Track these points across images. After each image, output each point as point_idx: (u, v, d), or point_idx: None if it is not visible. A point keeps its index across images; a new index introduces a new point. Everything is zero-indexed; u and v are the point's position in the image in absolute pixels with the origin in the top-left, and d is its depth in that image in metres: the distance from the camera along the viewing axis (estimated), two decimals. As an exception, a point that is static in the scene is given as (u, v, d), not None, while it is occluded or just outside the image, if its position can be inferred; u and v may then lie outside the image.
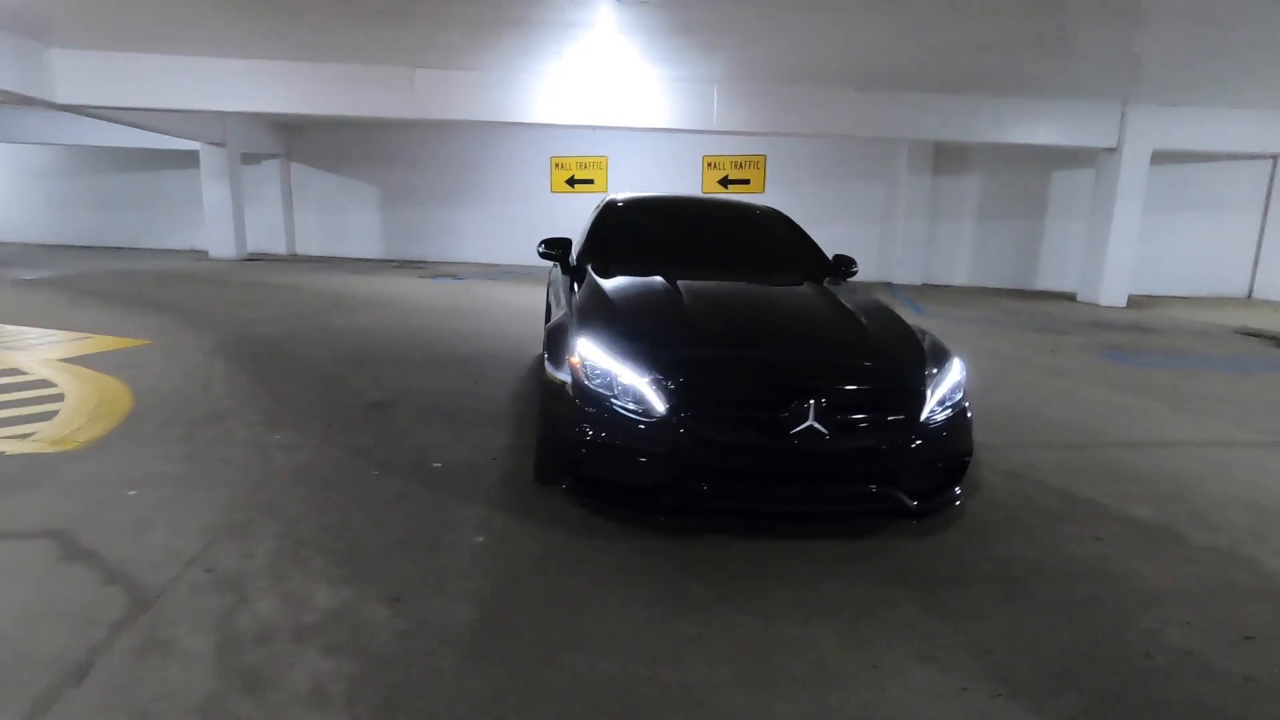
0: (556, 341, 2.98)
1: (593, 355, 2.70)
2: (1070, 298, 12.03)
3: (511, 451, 3.55)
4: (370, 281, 11.18)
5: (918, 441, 2.57)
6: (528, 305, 9.06)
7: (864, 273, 13.52)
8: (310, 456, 3.37)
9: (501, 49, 8.99)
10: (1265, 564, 2.63)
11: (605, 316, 3.01)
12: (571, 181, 15.21)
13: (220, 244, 14.58)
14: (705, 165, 14.72)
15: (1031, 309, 10.54)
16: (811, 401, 2.46)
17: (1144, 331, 8.63)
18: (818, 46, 8.50)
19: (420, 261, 15.18)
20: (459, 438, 3.73)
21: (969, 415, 2.78)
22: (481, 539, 2.58)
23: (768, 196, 14.41)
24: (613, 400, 2.58)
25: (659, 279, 3.48)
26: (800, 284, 3.72)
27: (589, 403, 2.62)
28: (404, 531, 2.64)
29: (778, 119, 10.85)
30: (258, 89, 10.14)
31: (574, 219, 15.26)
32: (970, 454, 2.79)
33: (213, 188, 14.36)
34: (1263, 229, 12.63)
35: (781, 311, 3.36)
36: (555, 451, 2.82)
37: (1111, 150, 11.21)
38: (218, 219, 14.48)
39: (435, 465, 3.33)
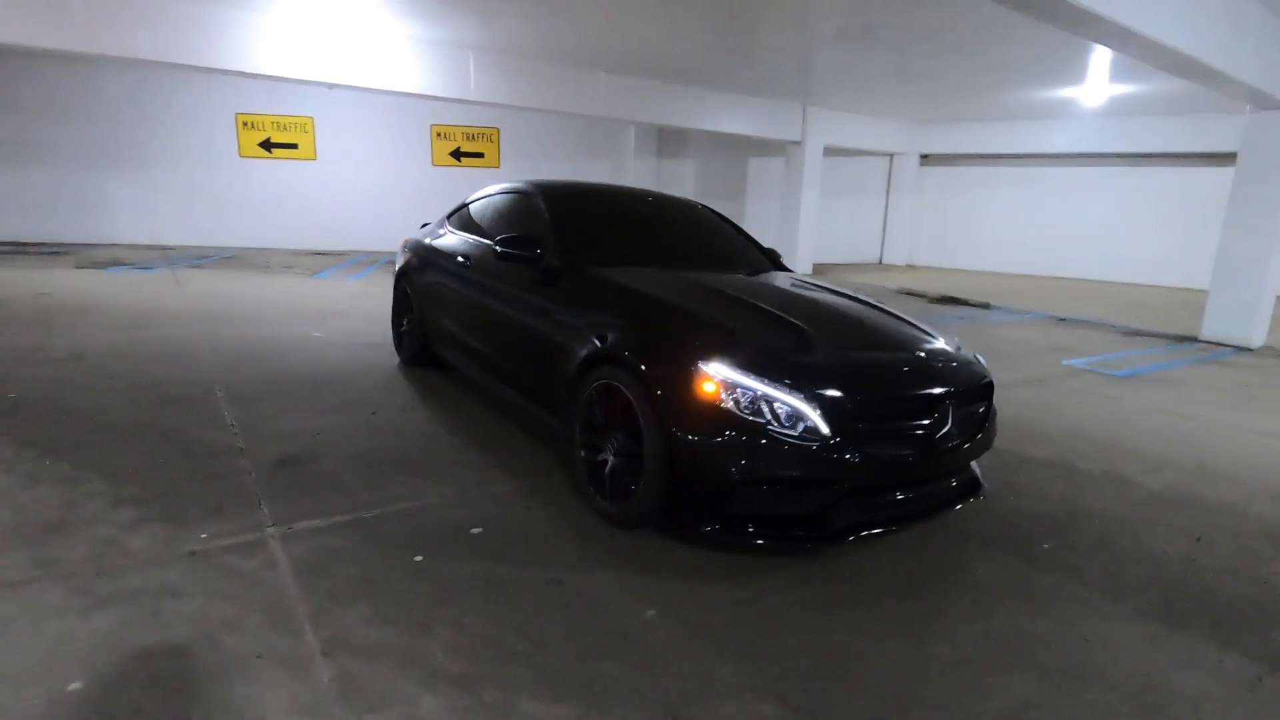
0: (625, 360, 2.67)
1: (733, 377, 2.51)
2: (771, 268, 14.32)
3: (532, 494, 3.11)
4: (10, 278, 8.05)
5: (988, 428, 2.99)
6: (287, 299, 7.62)
7: None
8: (309, 552, 2.51)
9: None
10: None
11: (717, 330, 2.81)
12: (268, 145, 12.76)
13: None
14: (435, 135, 13.67)
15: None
16: (950, 403, 2.70)
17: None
18: (581, 26, 8.52)
19: (58, 246, 11.21)
20: (442, 488, 3.12)
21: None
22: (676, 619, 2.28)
23: (504, 172, 14.04)
24: (768, 425, 2.46)
25: (691, 278, 3.37)
26: (776, 275, 3.94)
27: (742, 431, 2.45)
28: (598, 635, 2.21)
29: (539, 95, 10.60)
30: None
31: (276, 194, 13.08)
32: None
33: None
34: (886, 210, 16.48)
35: (846, 312, 3.28)
36: (694, 493, 2.58)
37: (798, 143, 13.47)
38: None
39: (474, 531, 2.76)
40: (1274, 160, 8.04)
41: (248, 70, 8.59)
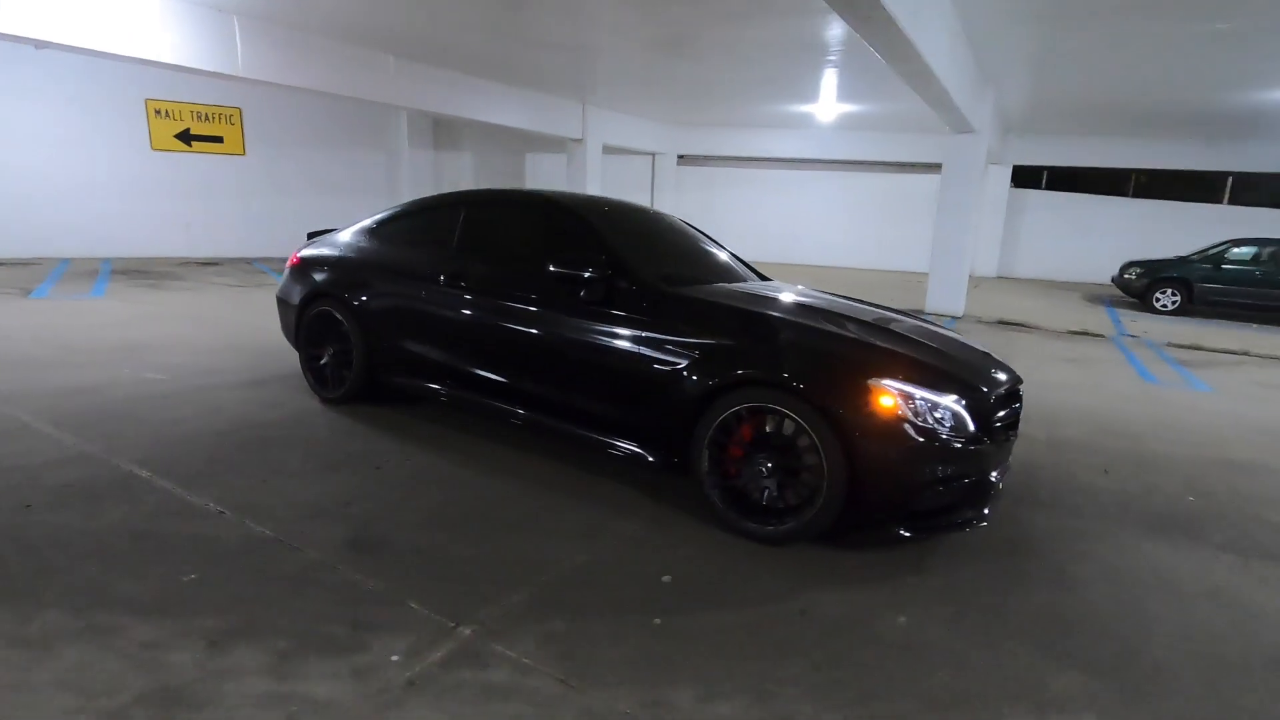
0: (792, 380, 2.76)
1: (906, 389, 2.70)
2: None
3: (664, 529, 2.98)
4: None
5: None
6: (48, 331, 5.85)
7: None
8: (541, 644, 2.12)
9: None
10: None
11: (866, 346, 2.95)
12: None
13: None
14: (151, 113, 11.05)
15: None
16: (1020, 400, 3.23)
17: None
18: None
19: None
20: (567, 542, 2.85)
21: None
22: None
23: (251, 160, 11.97)
24: (935, 429, 2.72)
25: (754, 294, 3.45)
26: (784, 284, 4.16)
27: (920, 438, 2.66)
28: (892, 652, 2.23)
29: (321, 75, 9.26)
30: None
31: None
32: None
33: None
34: (651, 206, 17.59)
35: (900, 319, 3.56)
36: (881, 499, 2.74)
37: (579, 141, 13.75)
38: None
39: (665, 579, 2.59)
40: (967, 172, 10.53)
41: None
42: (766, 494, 2.90)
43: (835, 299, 3.76)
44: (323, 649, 2.06)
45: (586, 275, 3.28)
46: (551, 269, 3.30)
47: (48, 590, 2.27)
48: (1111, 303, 13.00)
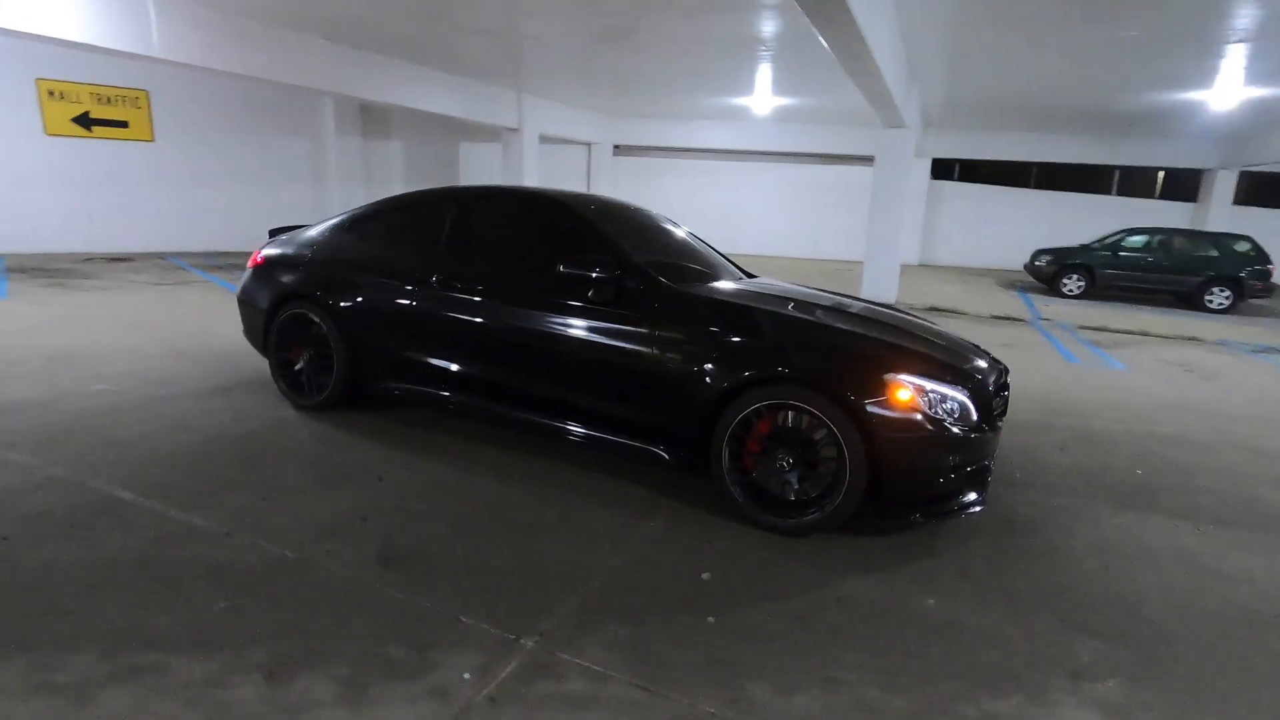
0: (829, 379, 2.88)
1: (921, 383, 2.84)
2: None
3: (684, 526, 3.03)
4: None
5: None
6: (23, 336, 5.32)
7: None
8: (610, 648, 2.13)
9: None
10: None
11: (878, 342, 3.07)
12: None
13: None
14: (44, 94, 10.06)
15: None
16: (1009, 390, 3.45)
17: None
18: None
19: None
20: (595, 545, 2.86)
21: None
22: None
23: (162, 147, 11.13)
24: (946, 420, 2.87)
25: (760, 291, 3.54)
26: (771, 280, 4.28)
27: (935, 429, 2.81)
28: (924, 631, 2.35)
29: (243, 58, 8.67)
30: None
31: None
32: None
33: None
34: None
35: (893, 313, 3.78)
36: (906, 488, 2.88)
37: (515, 130, 13.48)
38: None
39: (704, 576, 2.64)
40: (898, 165, 11.01)
41: None
42: (788, 488, 2.99)
43: (832, 296, 3.90)
44: (389, 673, 2.00)
45: (595, 275, 3.26)
46: (562, 270, 3.26)
47: (66, 631, 2.09)
48: (1024, 288, 13.93)
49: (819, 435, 2.91)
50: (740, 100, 13.50)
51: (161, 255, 11.20)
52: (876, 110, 9.59)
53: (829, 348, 3.04)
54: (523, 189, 4.13)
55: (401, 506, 3.05)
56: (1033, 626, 2.45)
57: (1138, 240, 13.25)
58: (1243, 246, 12.55)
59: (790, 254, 16.80)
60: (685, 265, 3.81)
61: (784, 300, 3.45)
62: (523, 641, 2.17)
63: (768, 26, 8.34)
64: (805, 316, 3.24)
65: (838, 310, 3.47)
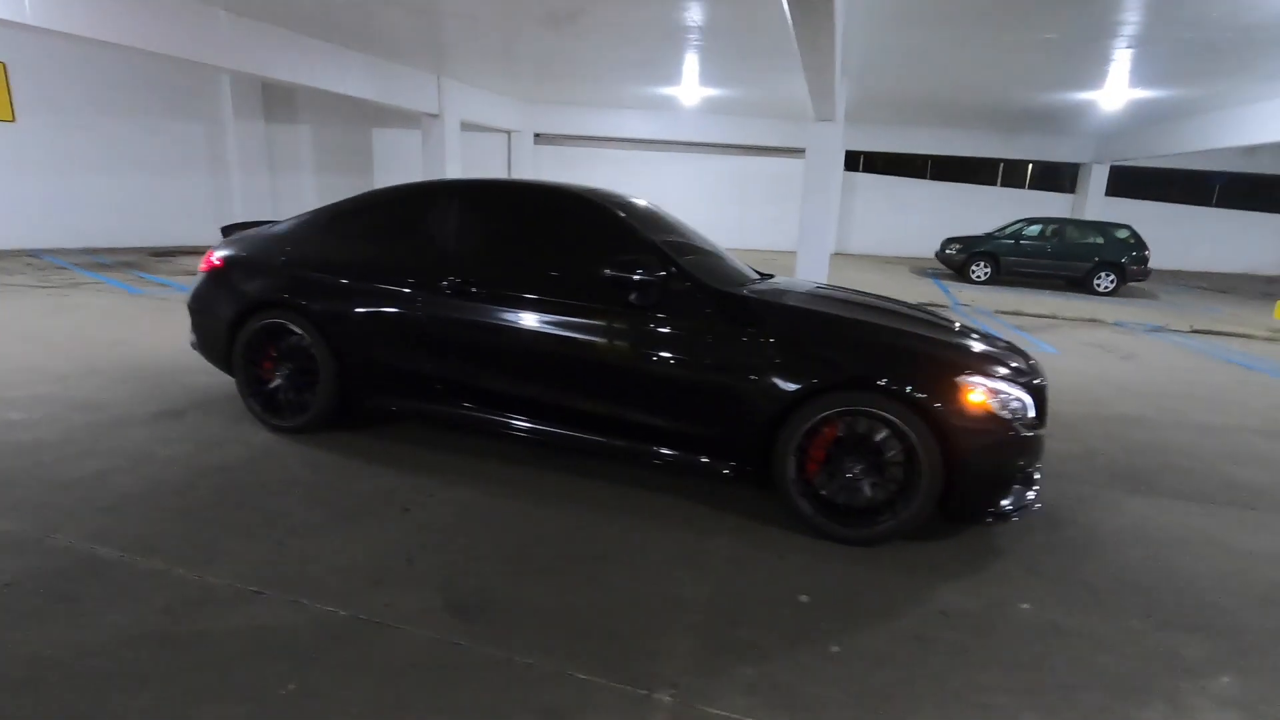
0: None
1: (992, 384, 2.79)
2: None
3: (756, 544, 2.88)
4: None
5: None
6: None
7: (200, 236, 11.28)
8: (751, 693, 1.93)
9: None
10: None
11: (945, 345, 3.00)
12: None
13: None
14: None
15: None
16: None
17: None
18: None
19: None
20: (674, 570, 2.67)
21: None
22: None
23: (25, 127, 9.70)
24: (1014, 420, 2.82)
25: (801, 293, 3.43)
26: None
27: (1007, 430, 2.78)
28: (1041, 636, 2.30)
29: (132, 28, 7.64)
30: None
31: None
32: None
33: None
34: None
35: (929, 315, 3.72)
36: (981, 490, 2.83)
37: (436, 116, 12.75)
38: None
39: (802, 599, 2.49)
40: (828, 157, 11.27)
41: None
42: (857, 496, 2.89)
43: (874, 298, 3.82)
44: (523, 751, 1.72)
45: (640, 278, 3.03)
46: (608, 273, 3.00)
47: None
48: (935, 275, 14.69)
49: (888, 440, 2.83)
50: (668, 90, 13.39)
51: (31, 253, 9.77)
52: (815, 103, 9.72)
53: (900, 351, 2.95)
54: (536, 183, 3.79)
55: (443, 542, 2.71)
56: (1126, 625, 2.47)
57: (1034, 229, 14.26)
58: (1123, 234, 13.77)
59: (730, 245, 16.95)
60: (719, 265, 3.63)
61: (835, 301, 3.36)
62: (657, 696, 1.94)
63: (718, 12, 8.21)
64: (867, 319, 3.14)
65: (888, 310, 3.41)
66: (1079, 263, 13.54)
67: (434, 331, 3.37)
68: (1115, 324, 9.80)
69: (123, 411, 3.87)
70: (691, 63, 11.00)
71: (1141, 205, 18.12)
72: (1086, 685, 2.13)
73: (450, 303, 3.34)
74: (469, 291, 3.31)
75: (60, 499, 2.84)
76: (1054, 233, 14.11)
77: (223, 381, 4.44)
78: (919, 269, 15.75)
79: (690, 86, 12.98)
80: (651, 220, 3.65)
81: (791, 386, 2.87)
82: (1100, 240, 13.69)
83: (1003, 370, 2.94)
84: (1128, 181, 18.98)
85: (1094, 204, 17.66)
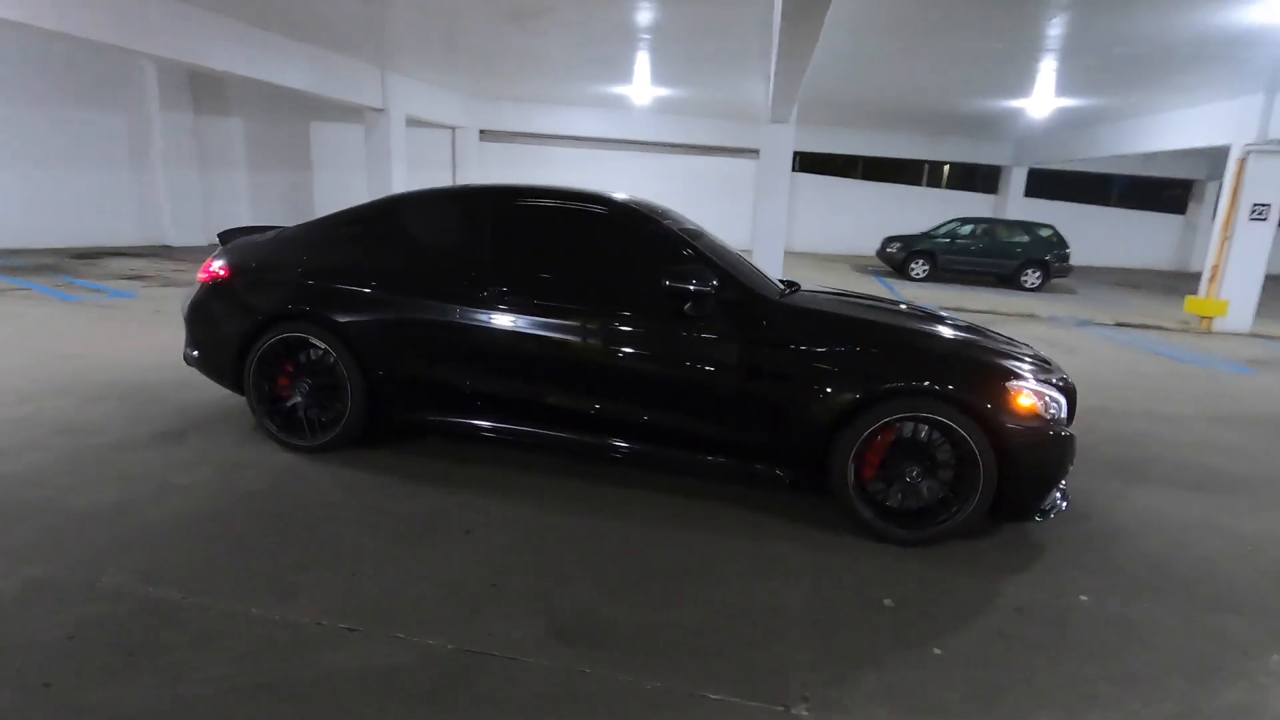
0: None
1: (1037, 387, 2.94)
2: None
3: (827, 550, 2.93)
4: None
5: None
6: None
7: (124, 237, 10.49)
8: (884, 693, 1.97)
9: None
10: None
11: (989, 350, 3.13)
12: None
13: None
14: None
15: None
16: None
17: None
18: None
19: None
20: (762, 579, 2.69)
21: None
22: None
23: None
24: (1054, 420, 2.97)
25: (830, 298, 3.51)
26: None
27: (1052, 430, 2.93)
28: (1119, 632, 2.43)
29: (40, 8, 6.83)
30: None
31: None
32: None
33: None
34: (454, 182, 16.35)
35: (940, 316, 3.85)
36: (1032, 489, 2.96)
37: (380, 110, 12.25)
38: None
39: (887, 603, 2.56)
40: (780, 159, 11.54)
41: None
42: (914, 499, 2.99)
43: (906, 304, 3.95)
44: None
45: (694, 288, 3.02)
46: (667, 284, 2.98)
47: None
48: (876, 272, 15.26)
49: (943, 444, 2.93)
50: (620, 89, 13.33)
51: (-71, 255, 8.81)
52: (775, 106, 9.92)
53: (954, 358, 3.06)
54: (578, 190, 3.69)
55: (519, 563, 2.63)
56: (1182, 610, 2.65)
57: (967, 229, 15.03)
58: (1046, 233, 14.70)
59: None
60: (755, 273, 3.65)
61: (877, 309, 3.45)
62: (796, 711, 1.95)
63: (683, 15, 8.21)
64: (916, 327, 3.25)
65: (927, 315, 3.54)
66: (1008, 260, 14.35)
67: (476, 343, 3.26)
68: (1049, 319, 10.45)
69: (117, 435, 3.55)
70: (645, 62, 10.99)
71: (1055, 205, 19.37)
72: (1168, 671, 2.28)
73: (493, 314, 3.23)
74: (513, 301, 3.22)
75: (85, 537, 2.58)
76: (984, 232, 14.91)
77: (212, 397, 4.15)
78: (859, 266, 16.31)
79: (642, 86, 12.97)
80: (690, 229, 3.65)
81: (850, 395, 2.93)
82: (1026, 239, 14.56)
83: (1041, 374, 3.10)
84: (1042, 182, 20.27)
85: (1014, 204, 18.76)
